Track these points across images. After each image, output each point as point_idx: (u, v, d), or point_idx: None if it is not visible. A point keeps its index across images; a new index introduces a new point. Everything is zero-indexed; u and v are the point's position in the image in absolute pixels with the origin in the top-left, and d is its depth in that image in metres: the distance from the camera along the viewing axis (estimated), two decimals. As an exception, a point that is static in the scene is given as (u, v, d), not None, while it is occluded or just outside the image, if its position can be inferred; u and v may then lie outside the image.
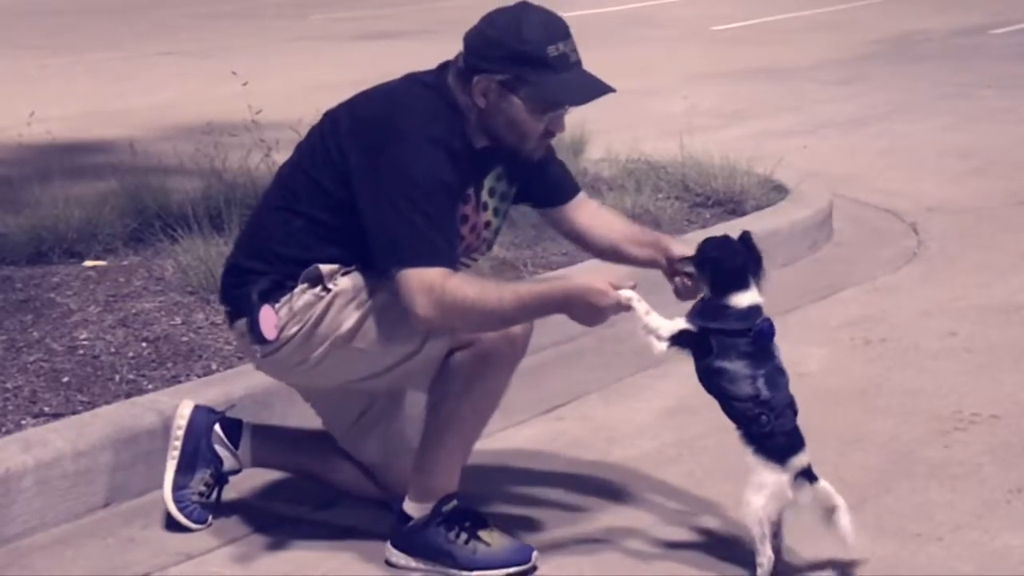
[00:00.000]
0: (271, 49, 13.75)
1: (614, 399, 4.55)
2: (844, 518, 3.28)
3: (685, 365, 4.84)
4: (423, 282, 3.19)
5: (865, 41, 14.06)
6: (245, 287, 3.39)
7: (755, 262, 3.34)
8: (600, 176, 6.73)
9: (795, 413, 3.33)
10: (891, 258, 6.26)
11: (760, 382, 3.26)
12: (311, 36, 15.08)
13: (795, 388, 4.72)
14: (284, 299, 3.37)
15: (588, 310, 3.27)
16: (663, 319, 3.28)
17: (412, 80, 3.44)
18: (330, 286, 3.34)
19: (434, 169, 3.26)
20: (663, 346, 3.30)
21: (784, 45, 13.94)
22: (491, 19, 3.37)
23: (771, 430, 3.25)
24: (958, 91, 10.81)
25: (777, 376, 3.30)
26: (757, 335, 3.28)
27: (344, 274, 3.35)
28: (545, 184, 3.66)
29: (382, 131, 3.29)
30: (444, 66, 3.44)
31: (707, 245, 3.39)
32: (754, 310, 3.30)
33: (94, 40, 14.80)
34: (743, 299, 3.28)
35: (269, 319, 3.34)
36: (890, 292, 5.75)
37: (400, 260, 3.21)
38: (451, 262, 3.26)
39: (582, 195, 3.74)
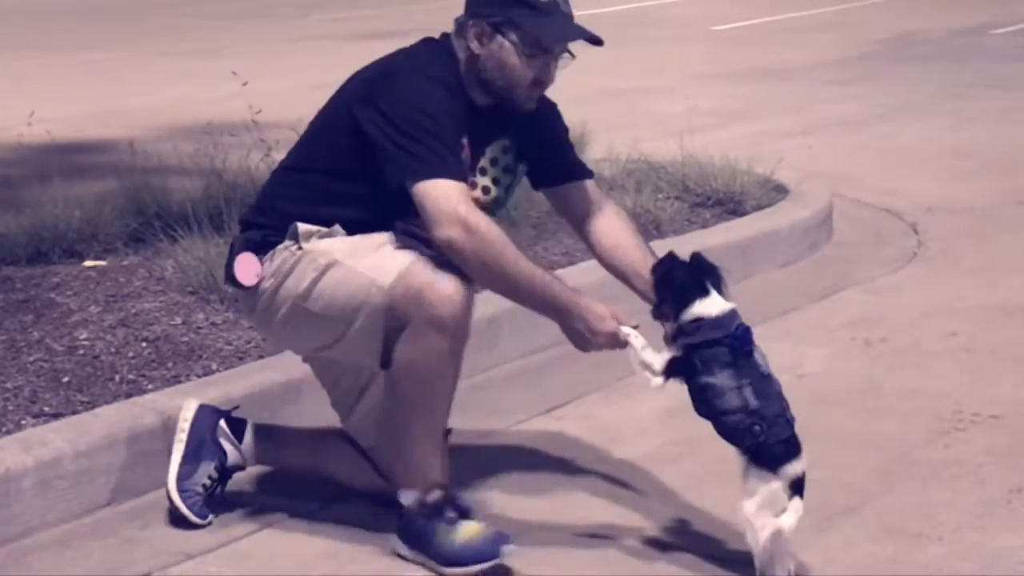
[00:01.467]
0: (271, 49, 13.75)
1: (614, 399, 4.55)
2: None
3: (685, 365, 4.87)
4: (446, 195, 3.27)
5: (865, 41, 14.06)
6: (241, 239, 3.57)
7: (709, 272, 3.32)
8: (600, 176, 6.66)
9: (790, 422, 3.30)
10: (891, 258, 6.25)
11: (747, 391, 3.24)
12: (311, 36, 15.07)
13: (795, 388, 4.71)
14: (270, 253, 3.49)
15: (584, 328, 3.35)
16: (656, 354, 3.29)
17: (417, 44, 3.61)
18: (304, 244, 3.44)
19: (434, 97, 3.38)
20: (659, 380, 3.30)
21: (784, 45, 13.94)
22: None
23: (765, 440, 3.22)
24: (958, 91, 10.81)
25: (765, 385, 3.28)
26: (733, 340, 3.25)
27: (321, 236, 3.45)
28: (550, 161, 3.70)
29: (384, 76, 3.46)
30: (443, 35, 3.60)
31: (655, 269, 3.41)
32: (728, 316, 3.29)
33: (94, 40, 14.79)
34: (710, 307, 3.27)
35: (249, 266, 3.49)
36: (890, 292, 5.75)
37: (414, 173, 3.30)
38: (465, 178, 3.36)
39: (591, 184, 3.75)
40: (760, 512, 3.19)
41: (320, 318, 3.43)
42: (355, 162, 3.43)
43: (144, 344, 4.47)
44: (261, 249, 3.51)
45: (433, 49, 3.54)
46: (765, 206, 6.43)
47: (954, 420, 4.32)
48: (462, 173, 3.37)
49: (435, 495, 3.41)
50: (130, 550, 3.52)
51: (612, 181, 6.58)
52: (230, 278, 3.54)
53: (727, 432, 3.26)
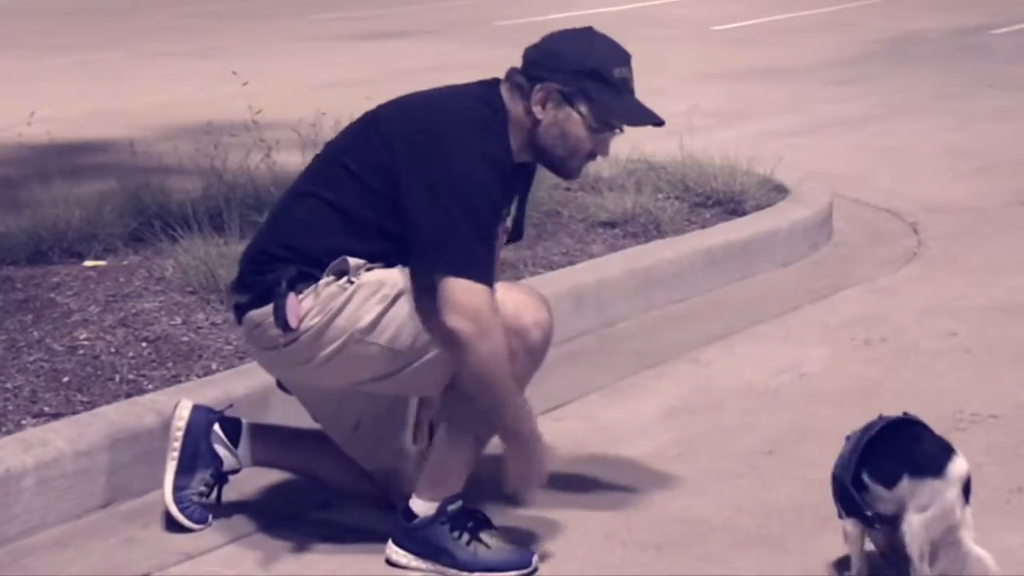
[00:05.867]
0: (271, 49, 13.75)
1: (614, 399, 4.55)
2: None
3: (684, 365, 4.88)
4: (473, 295, 3.21)
5: (865, 41, 14.06)
6: (271, 274, 3.38)
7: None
8: (600, 176, 6.72)
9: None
10: (891, 258, 6.26)
11: None
12: (311, 36, 15.07)
13: (795, 388, 4.73)
14: (309, 289, 3.36)
15: (535, 467, 3.39)
16: None
17: (463, 90, 3.48)
18: (354, 279, 3.33)
19: (487, 185, 3.30)
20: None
21: (784, 45, 13.94)
22: (557, 36, 3.49)
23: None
24: (958, 91, 10.81)
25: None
26: None
27: (369, 269, 3.36)
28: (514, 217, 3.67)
29: (438, 139, 3.32)
30: (489, 81, 3.49)
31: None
32: None
33: (94, 40, 14.79)
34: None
35: (294, 307, 3.33)
36: (890, 292, 5.75)
37: (448, 267, 3.23)
38: (492, 281, 3.30)
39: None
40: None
41: (384, 350, 3.34)
42: (390, 210, 3.33)
43: (144, 344, 4.47)
44: (296, 285, 3.36)
45: (482, 110, 3.39)
46: (765, 206, 6.43)
47: (954, 420, 4.32)
48: (490, 272, 3.32)
49: (456, 504, 3.42)
50: (130, 550, 3.52)
51: (612, 181, 6.59)
52: (282, 323, 3.33)
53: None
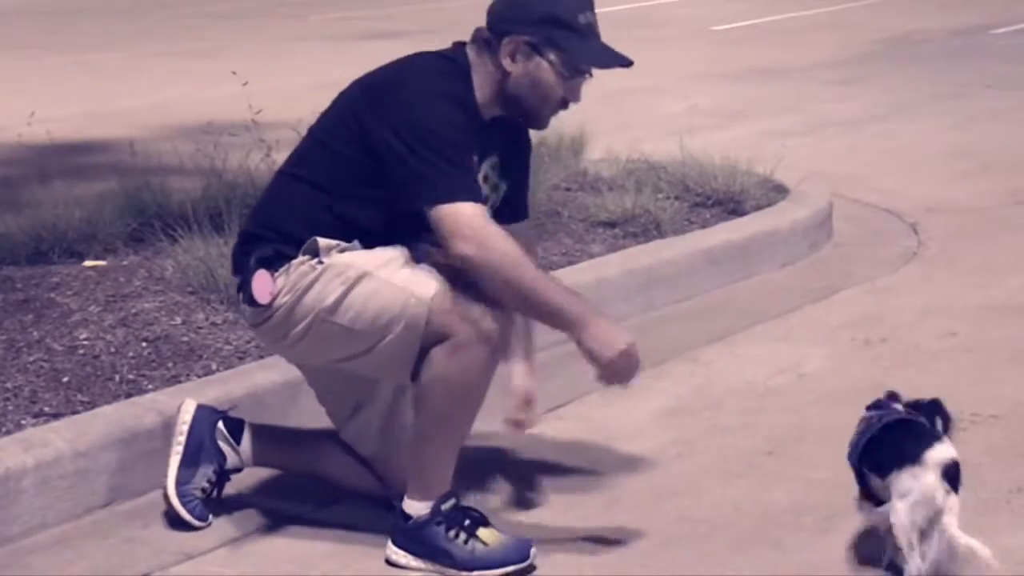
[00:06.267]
0: (271, 49, 13.75)
1: (614, 399, 4.54)
2: None
3: (684, 365, 4.88)
4: (463, 215, 3.27)
5: (865, 41, 14.06)
6: (252, 254, 3.47)
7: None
8: (600, 176, 6.73)
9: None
10: (891, 258, 6.26)
11: None
12: (311, 36, 15.07)
13: (795, 388, 4.73)
14: (283, 268, 3.43)
15: (598, 346, 3.29)
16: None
17: (422, 53, 3.56)
18: (324, 259, 3.39)
19: (451, 118, 3.35)
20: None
21: (784, 45, 13.94)
22: None
23: None
24: (958, 91, 10.81)
25: None
26: None
27: (341, 251, 3.40)
28: (512, 192, 3.69)
29: (395, 90, 3.40)
30: (453, 45, 3.55)
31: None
32: None
33: (94, 40, 14.79)
34: None
35: (264, 284, 3.42)
36: (890, 292, 5.75)
37: (433, 198, 3.29)
38: (481, 199, 3.37)
39: (524, 224, 3.78)
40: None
41: (347, 331, 3.38)
42: (365, 174, 3.39)
43: (144, 344, 4.47)
44: (272, 264, 3.44)
45: (441, 64, 3.48)
46: (765, 206, 6.43)
47: (954, 420, 4.31)
48: (478, 192, 3.37)
49: (449, 503, 3.42)
50: (130, 550, 3.52)
51: (612, 181, 6.59)
52: (247, 298, 3.45)
53: None
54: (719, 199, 6.42)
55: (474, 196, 3.33)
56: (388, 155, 3.34)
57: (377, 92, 3.44)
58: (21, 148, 7.69)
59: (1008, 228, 6.73)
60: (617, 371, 3.32)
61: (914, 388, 4.60)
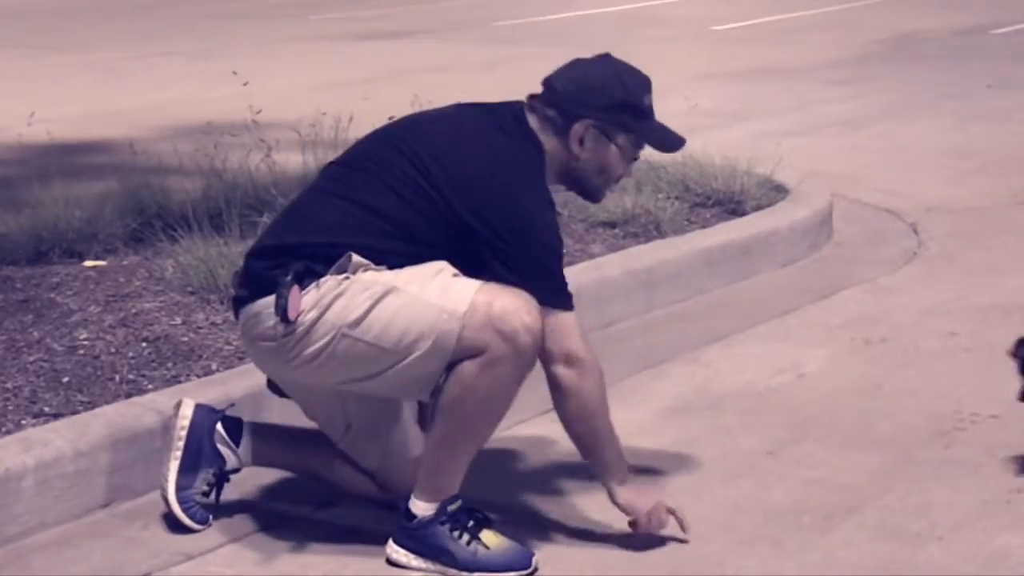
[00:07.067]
0: (271, 49, 13.75)
1: (614, 399, 4.51)
2: None
3: (684, 365, 4.88)
4: (560, 329, 3.37)
5: (865, 41, 14.07)
6: (279, 268, 3.37)
7: None
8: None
9: None
10: (891, 258, 6.26)
11: None
12: (311, 36, 15.08)
13: (795, 388, 4.73)
14: (312, 285, 3.35)
15: (625, 502, 3.51)
16: None
17: (496, 122, 3.51)
18: (350, 275, 3.34)
19: (551, 222, 3.45)
20: None
21: (784, 45, 13.94)
22: (584, 69, 3.55)
23: None
24: (958, 91, 10.81)
25: None
26: None
27: (367, 270, 3.36)
28: None
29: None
30: (516, 109, 3.53)
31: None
32: None
33: (94, 40, 14.79)
34: None
35: (295, 300, 3.33)
36: (890, 292, 5.75)
37: (563, 304, 3.38)
38: (573, 306, 3.46)
39: None
40: None
41: (370, 347, 3.33)
42: (440, 239, 3.38)
43: (144, 344, 4.47)
44: (302, 280, 3.36)
45: (529, 152, 3.47)
46: (765, 206, 6.43)
47: (954, 420, 4.32)
48: (571, 301, 3.43)
49: (456, 504, 3.42)
50: (130, 550, 3.52)
51: (612, 181, 6.58)
52: (282, 315, 3.32)
53: None
54: (719, 199, 6.42)
55: (568, 305, 3.41)
56: (491, 257, 3.35)
57: (468, 180, 3.38)
58: (21, 148, 7.70)
59: (1008, 228, 6.73)
60: (644, 526, 3.51)
61: (914, 388, 4.62)
